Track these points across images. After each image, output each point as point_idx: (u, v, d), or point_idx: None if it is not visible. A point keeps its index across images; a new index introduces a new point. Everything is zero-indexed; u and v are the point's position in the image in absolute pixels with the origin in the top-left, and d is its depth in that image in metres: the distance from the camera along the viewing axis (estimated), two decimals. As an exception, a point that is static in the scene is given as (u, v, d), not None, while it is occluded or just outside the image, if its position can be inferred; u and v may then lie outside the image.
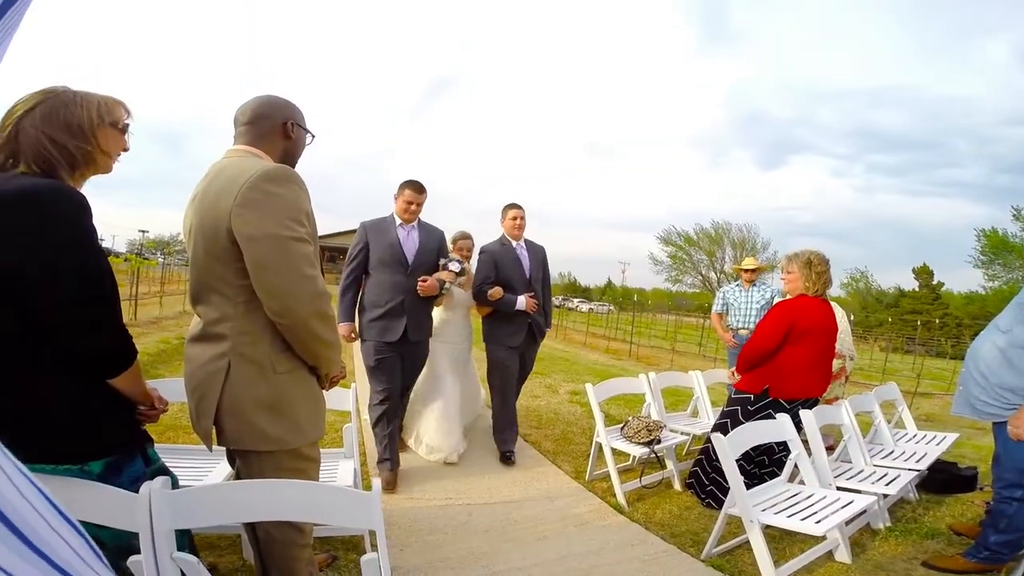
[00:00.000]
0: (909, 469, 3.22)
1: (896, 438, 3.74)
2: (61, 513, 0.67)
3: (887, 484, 2.96)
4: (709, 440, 3.01)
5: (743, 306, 5.16)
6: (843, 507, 2.53)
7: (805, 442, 2.96)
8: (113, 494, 1.34)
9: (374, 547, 1.52)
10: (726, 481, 2.56)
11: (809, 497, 2.68)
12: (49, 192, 1.25)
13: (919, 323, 18.94)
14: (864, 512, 2.87)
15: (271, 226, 1.44)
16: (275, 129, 1.67)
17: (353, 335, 3.42)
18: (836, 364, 4.26)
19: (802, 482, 2.88)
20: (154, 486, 1.34)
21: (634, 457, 3.48)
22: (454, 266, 3.53)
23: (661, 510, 3.22)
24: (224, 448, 1.69)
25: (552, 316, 4.42)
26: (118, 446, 1.44)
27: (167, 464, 1.64)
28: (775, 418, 2.92)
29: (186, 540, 1.63)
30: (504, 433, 3.96)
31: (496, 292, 3.77)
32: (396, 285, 3.32)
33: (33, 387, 1.28)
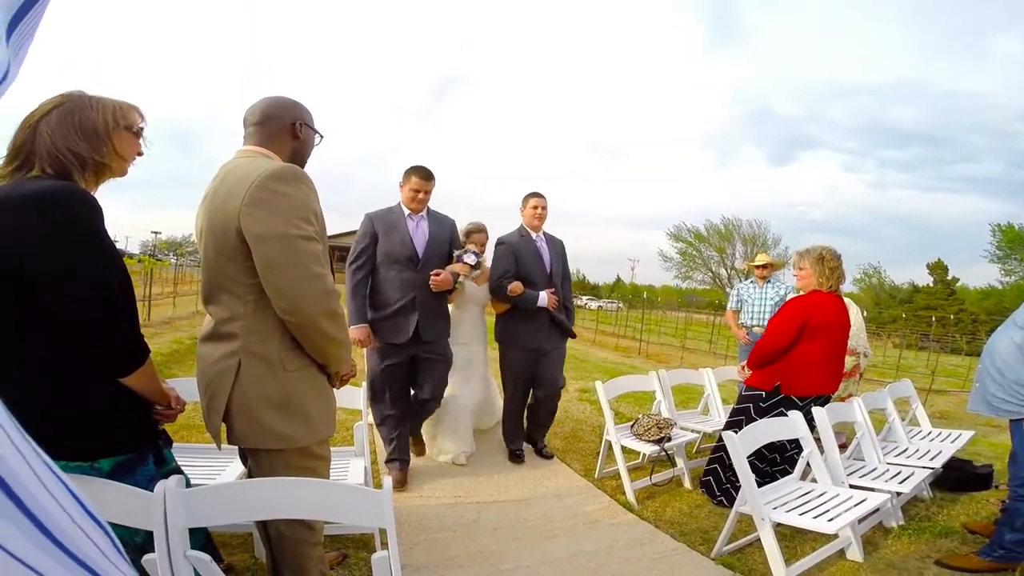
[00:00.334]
0: (923, 467, 3.18)
1: (910, 436, 3.69)
2: (86, 509, 0.67)
3: (900, 482, 2.93)
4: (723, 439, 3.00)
5: (757, 303, 5.10)
6: (856, 505, 2.51)
7: (817, 440, 2.93)
8: (128, 492, 1.36)
9: (384, 545, 1.53)
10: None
11: (821, 495, 2.66)
12: (60, 195, 1.28)
13: (933, 319, 18.64)
14: (877, 510, 2.85)
15: (279, 225, 1.45)
16: (284, 129, 1.68)
17: (369, 338, 3.12)
18: (850, 361, 4.22)
19: (814, 480, 2.85)
20: (168, 484, 1.36)
21: (644, 455, 3.47)
22: (470, 258, 3.28)
23: (671, 508, 3.21)
24: (237, 447, 1.71)
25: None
26: (130, 445, 1.46)
27: (181, 464, 1.67)
28: (787, 416, 2.89)
29: (201, 538, 1.65)
30: (513, 433, 3.89)
31: (517, 287, 3.52)
32: (405, 282, 3.11)
33: (43, 384, 1.31)
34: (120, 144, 1.42)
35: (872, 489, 2.82)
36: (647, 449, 3.35)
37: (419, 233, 3.21)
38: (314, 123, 1.79)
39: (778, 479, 2.86)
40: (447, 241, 3.31)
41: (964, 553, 2.72)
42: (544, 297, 3.61)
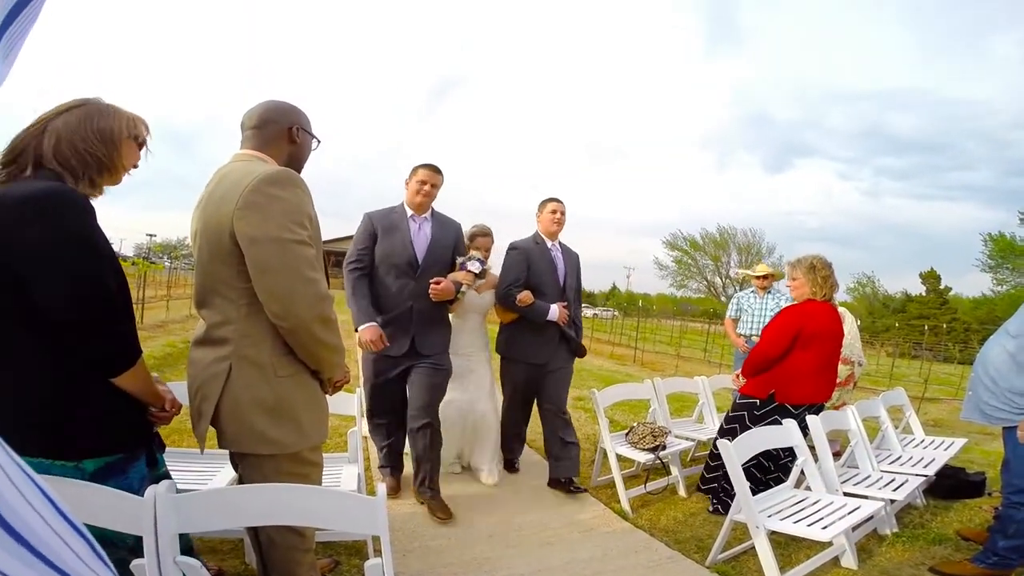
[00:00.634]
0: (917, 475, 3.19)
1: (903, 443, 3.71)
2: (63, 514, 0.66)
3: (894, 490, 2.93)
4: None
5: (757, 313, 5.10)
6: (849, 513, 2.51)
7: (812, 448, 2.94)
8: (118, 496, 1.34)
9: (377, 552, 1.52)
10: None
11: (815, 503, 2.66)
12: (55, 195, 1.29)
13: (926, 328, 18.79)
14: (871, 518, 2.85)
15: (273, 228, 1.45)
16: (281, 134, 1.69)
17: (383, 339, 2.81)
18: (845, 370, 4.24)
19: (808, 488, 2.85)
20: (159, 489, 1.35)
21: (639, 463, 3.46)
22: (474, 266, 3.01)
23: (666, 516, 3.20)
24: (229, 453, 1.69)
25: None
26: (119, 447, 1.44)
27: (172, 468, 1.66)
28: (781, 424, 2.90)
29: (184, 545, 1.63)
30: (509, 443, 3.74)
31: (527, 297, 3.29)
32: (402, 289, 2.89)
33: (32, 382, 1.31)
34: (126, 153, 1.45)
35: (866, 497, 2.82)
36: (642, 457, 3.34)
37: (421, 236, 2.98)
38: (311, 128, 1.79)
39: (772, 487, 2.87)
40: (451, 246, 3.06)
41: (958, 560, 2.72)
42: (555, 310, 3.35)
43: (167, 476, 1.58)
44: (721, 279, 42.81)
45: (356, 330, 2.84)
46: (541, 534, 2.87)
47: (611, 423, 3.65)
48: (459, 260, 3.04)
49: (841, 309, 4.33)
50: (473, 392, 3.54)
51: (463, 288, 2.97)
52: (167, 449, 1.81)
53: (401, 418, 3.13)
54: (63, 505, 0.66)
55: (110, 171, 1.42)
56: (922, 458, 3.44)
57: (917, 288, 34.74)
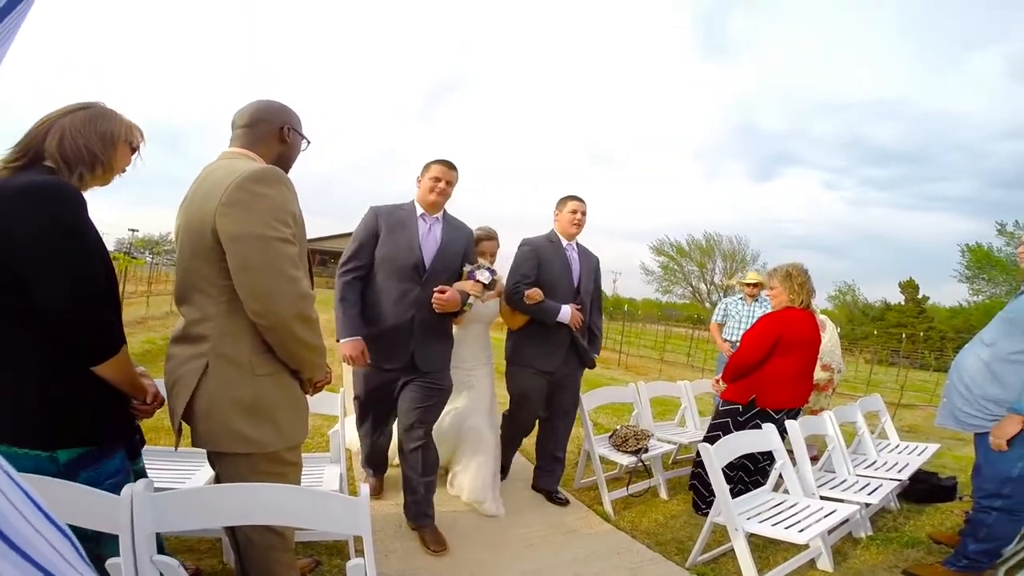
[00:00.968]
0: (891, 479, 3.26)
1: (879, 448, 3.78)
2: (47, 515, 0.66)
3: (869, 494, 2.99)
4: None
5: (744, 319, 5.16)
6: (826, 516, 2.56)
7: (790, 452, 2.99)
8: (94, 495, 1.32)
9: (359, 552, 1.51)
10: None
11: (793, 506, 2.70)
12: (50, 186, 1.34)
13: (904, 336, 19.18)
14: (846, 521, 2.90)
15: (256, 226, 1.45)
16: (272, 133, 1.69)
17: (364, 355, 2.58)
18: (824, 376, 4.32)
19: (786, 491, 2.90)
20: (136, 488, 1.33)
21: (621, 465, 3.48)
22: (483, 275, 2.73)
23: (647, 518, 3.23)
24: (206, 451, 1.67)
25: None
26: (95, 438, 1.44)
27: (150, 466, 1.64)
28: (762, 428, 2.94)
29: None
30: (504, 449, 3.42)
31: (535, 294, 3.03)
32: (404, 295, 2.59)
33: (11, 369, 1.33)
34: (120, 155, 1.53)
35: (842, 500, 2.87)
36: (624, 460, 3.37)
37: (430, 238, 2.69)
38: (302, 128, 1.79)
39: (751, 490, 2.91)
40: (461, 252, 2.77)
41: (930, 563, 2.79)
42: (567, 311, 3.08)
43: (144, 473, 1.57)
44: (706, 285, 43.22)
45: (337, 340, 2.61)
46: (525, 536, 2.87)
47: (595, 426, 3.67)
48: (467, 268, 2.76)
49: (822, 317, 4.42)
50: (471, 407, 3.25)
51: (470, 300, 2.67)
52: (146, 448, 1.79)
53: (389, 424, 3.01)
54: (45, 505, 0.66)
55: (103, 170, 1.49)
56: (896, 463, 3.52)
57: (896, 297, 35.42)
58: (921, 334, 21.81)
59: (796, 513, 2.61)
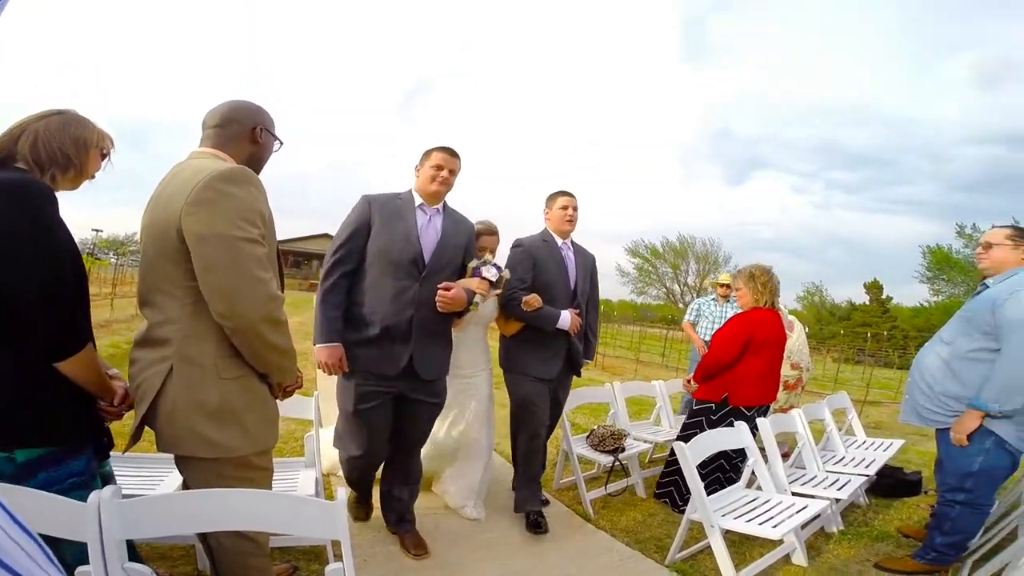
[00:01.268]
0: (859, 474, 3.35)
1: (847, 444, 3.89)
2: (17, 521, 0.65)
3: (839, 489, 3.08)
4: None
5: (717, 319, 5.26)
6: (798, 512, 2.62)
7: (762, 449, 3.05)
8: (60, 502, 1.28)
9: (337, 557, 1.49)
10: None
11: (766, 502, 2.76)
12: (22, 183, 1.36)
13: (869, 335, 19.80)
14: (818, 516, 2.97)
15: (222, 225, 1.42)
16: (243, 134, 1.67)
17: (341, 363, 2.34)
18: (794, 375, 4.43)
19: (759, 488, 2.96)
20: (104, 495, 1.29)
21: (599, 465, 3.51)
22: (489, 272, 2.52)
23: (626, 517, 3.26)
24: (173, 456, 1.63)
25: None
26: (56, 440, 1.40)
27: (119, 472, 1.60)
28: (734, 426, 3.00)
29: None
30: (526, 491, 3.07)
31: (533, 300, 2.84)
32: (403, 293, 2.35)
33: None
34: (92, 160, 1.56)
35: (813, 496, 2.95)
36: (602, 459, 3.40)
37: (430, 231, 2.45)
38: (275, 129, 1.76)
39: (725, 487, 2.96)
40: (462, 247, 2.56)
41: (900, 556, 2.88)
42: (567, 318, 2.90)
43: (111, 476, 1.53)
44: (680, 286, 43.90)
45: (315, 345, 2.37)
46: (505, 537, 2.87)
47: (573, 426, 3.69)
48: (471, 264, 2.54)
49: (790, 317, 4.54)
50: (470, 418, 3.09)
51: (476, 299, 2.48)
52: (114, 455, 1.73)
53: (380, 452, 2.58)
54: (15, 511, 0.65)
55: (75, 173, 1.52)
56: (864, 458, 3.63)
57: (861, 297, 36.55)
58: (885, 333, 22.53)
59: (770, 509, 2.66)
